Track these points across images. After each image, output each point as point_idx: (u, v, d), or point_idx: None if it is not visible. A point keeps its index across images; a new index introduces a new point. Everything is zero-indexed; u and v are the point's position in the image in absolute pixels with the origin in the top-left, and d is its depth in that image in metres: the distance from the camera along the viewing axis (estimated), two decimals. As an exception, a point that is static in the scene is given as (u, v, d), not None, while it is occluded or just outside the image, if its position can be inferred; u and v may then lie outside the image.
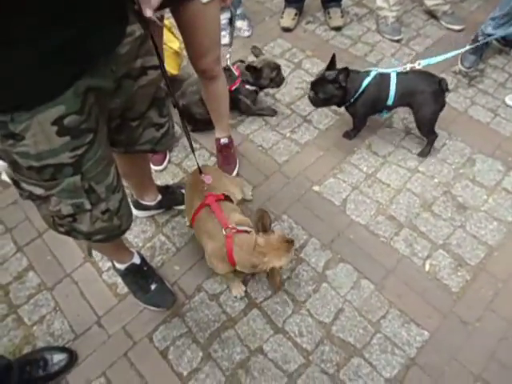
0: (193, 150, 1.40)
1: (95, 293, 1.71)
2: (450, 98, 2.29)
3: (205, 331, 1.59)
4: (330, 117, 2.30)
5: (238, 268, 1.38)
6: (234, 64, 2.18)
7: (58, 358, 1.51)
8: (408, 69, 1.82)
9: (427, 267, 1.73)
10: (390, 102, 1.88)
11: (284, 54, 2.66)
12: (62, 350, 1.55)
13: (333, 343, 1.55)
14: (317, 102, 1.99)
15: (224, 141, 2.00)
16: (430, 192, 1.97)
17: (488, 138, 2.16)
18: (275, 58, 2.63)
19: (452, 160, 2.08)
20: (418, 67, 1.77)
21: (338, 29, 2.77)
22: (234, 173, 2.02)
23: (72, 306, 1.67)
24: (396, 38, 2.68)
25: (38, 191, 0.97)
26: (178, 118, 2.14)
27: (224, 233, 1.36)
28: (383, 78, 1.84)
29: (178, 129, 2.24)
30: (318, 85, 1.89)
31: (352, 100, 1.90)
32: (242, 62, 2.21)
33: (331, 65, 1.85)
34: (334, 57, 1.84)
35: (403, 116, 2.27)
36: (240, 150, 2.15)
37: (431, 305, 1.63)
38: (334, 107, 2.32)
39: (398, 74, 1.84)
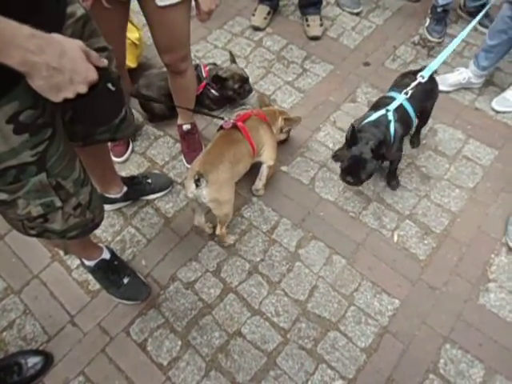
0: None
1: (66, 292, 1.66)
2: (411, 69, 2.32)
3: (182, 320, 1.59)
4: (295, 95, 2.28)
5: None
6: (206, 65, 2.10)
7: (33, 362, 1.47)
8: (414, 88, 1.67)
9: (395, 238, 1.78)
10: (414, 123, 1.82)
11: (244, 32, 2.59)
12: (37, 352, 1.51)
13: (309, 319, 1.59)
14: (362, 181, 1.72)
15: (187, 127, 1.95)
16: (395, 164, 2.00)
17: (448, 107, 2.20)
18: (235, 36, 2.57)
19: (415, 131, 2.12)
20: (422, 81, 1.64)
21: (316, 38, 2.53)
22: (201, 159, 1.98)
23: (43, 308, 1.63)
24: (356, 10, 2.66)
25: (2, 196, 0.92)
26: (138, 105, 2.12)
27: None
28: (400, 111, 1.69)
29: (138, 116, 2.17)
30: (355, 169, 1.64)
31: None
32: (214, 65, 2.14)
33: (353, 139, 1.60)
34: (354, 130, 1.59)
35: (365, 90, 2.28)
36: (205, 135, 2.10)
37: (401, 274, 1.69)
38: (298, 85, 2.32)
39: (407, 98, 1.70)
